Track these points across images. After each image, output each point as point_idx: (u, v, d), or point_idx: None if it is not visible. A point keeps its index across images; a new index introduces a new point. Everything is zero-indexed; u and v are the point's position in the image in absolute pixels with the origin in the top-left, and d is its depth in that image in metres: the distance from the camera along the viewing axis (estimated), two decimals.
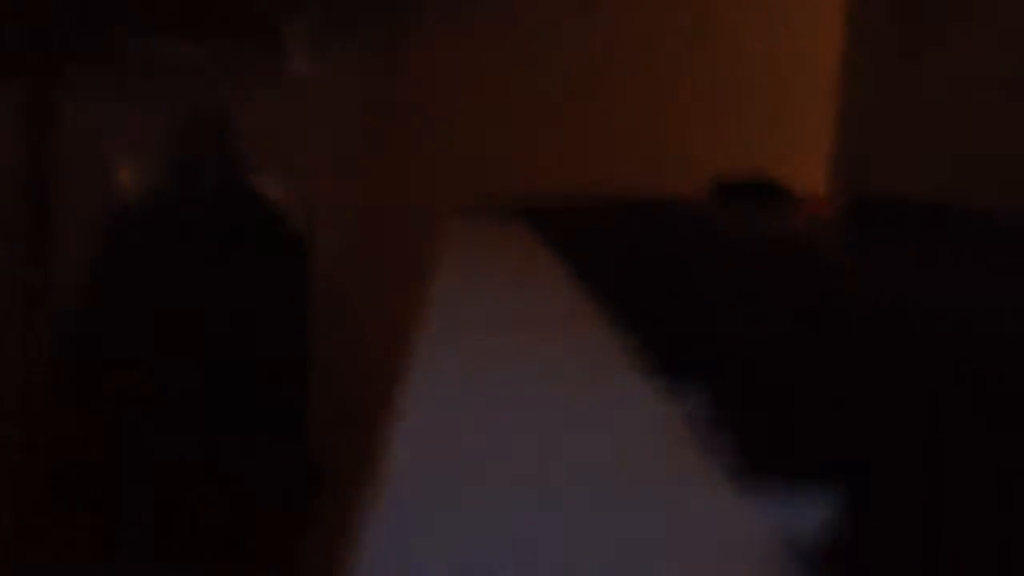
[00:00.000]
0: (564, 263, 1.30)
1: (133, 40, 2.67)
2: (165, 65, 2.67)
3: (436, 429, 0.57)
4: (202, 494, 2.55)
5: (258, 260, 2.58)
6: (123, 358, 2.53)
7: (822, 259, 1.16)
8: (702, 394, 0.69)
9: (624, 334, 0.86)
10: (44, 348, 2.60)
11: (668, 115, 2.62)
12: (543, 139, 2.63)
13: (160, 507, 2.53)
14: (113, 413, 2.55)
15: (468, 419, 0.62)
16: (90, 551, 2.57)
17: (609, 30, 2.64)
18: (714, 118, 2.63)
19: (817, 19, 2.55)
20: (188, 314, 2.53)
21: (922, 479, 0.50)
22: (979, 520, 0.46)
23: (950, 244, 1.14)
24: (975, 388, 0.66)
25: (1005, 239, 1.13)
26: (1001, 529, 0.46)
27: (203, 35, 2.66)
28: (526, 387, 0.67)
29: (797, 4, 2.64)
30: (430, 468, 0.52)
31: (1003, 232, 1.15)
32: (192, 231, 2.55)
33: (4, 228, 2.62)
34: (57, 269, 2.64)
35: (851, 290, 0.99)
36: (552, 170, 2.60)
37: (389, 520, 0.45)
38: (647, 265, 1.12)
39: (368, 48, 2.67)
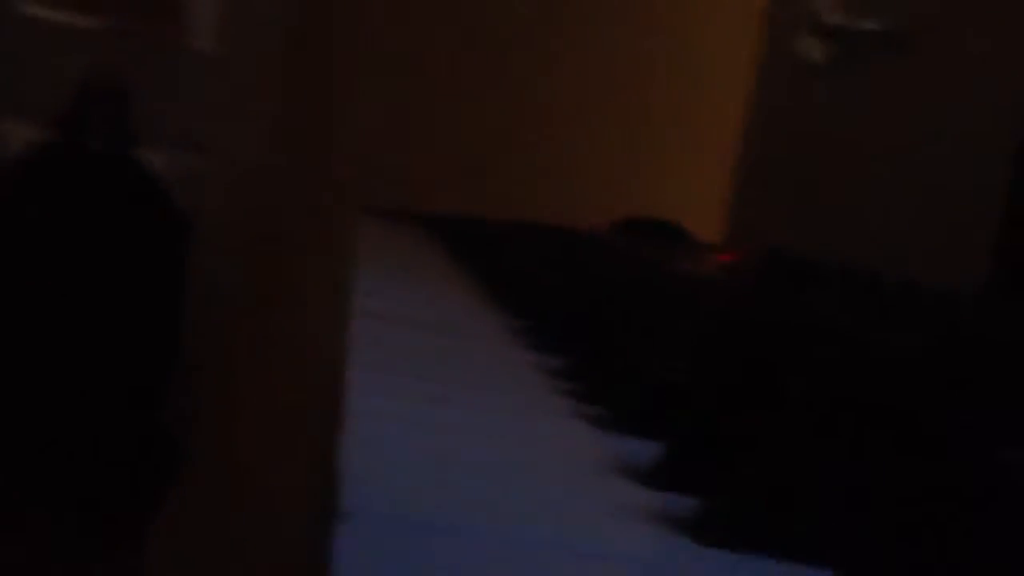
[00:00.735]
0: (461, 265, 1.38)
1: (30, 5, 2.66)
2: (62, 32, 2.66)
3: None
4: (60, 462, 2.53)
5: (136, 231, 2.57)
6: None
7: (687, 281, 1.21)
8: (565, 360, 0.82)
9: (512, 323, 0.97)
10: None
11: (578, 155, 2.67)
12: (451, 152, 2.66)
13: (13, 474, 2.50)
14: None
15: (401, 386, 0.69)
16: None
17: (527, 71, 2.68)
18: (619, 163, 2.69)
19: (726, 76, 2.61)
20: (58, 277, 2.51)
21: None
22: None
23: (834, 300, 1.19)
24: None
25: (882, 297, 1.18)
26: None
27: (103, 9, 2.65)
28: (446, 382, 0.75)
29: (707, 61, 2.70)
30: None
31: (882, 290, 1.20)
32: (71, 195, 2.53)
33: None
34: None
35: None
36: (461, 186, 2.62)
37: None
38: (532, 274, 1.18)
39: (279, 26, 2.66)
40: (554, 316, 0.94)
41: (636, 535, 0.50)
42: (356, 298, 1.02)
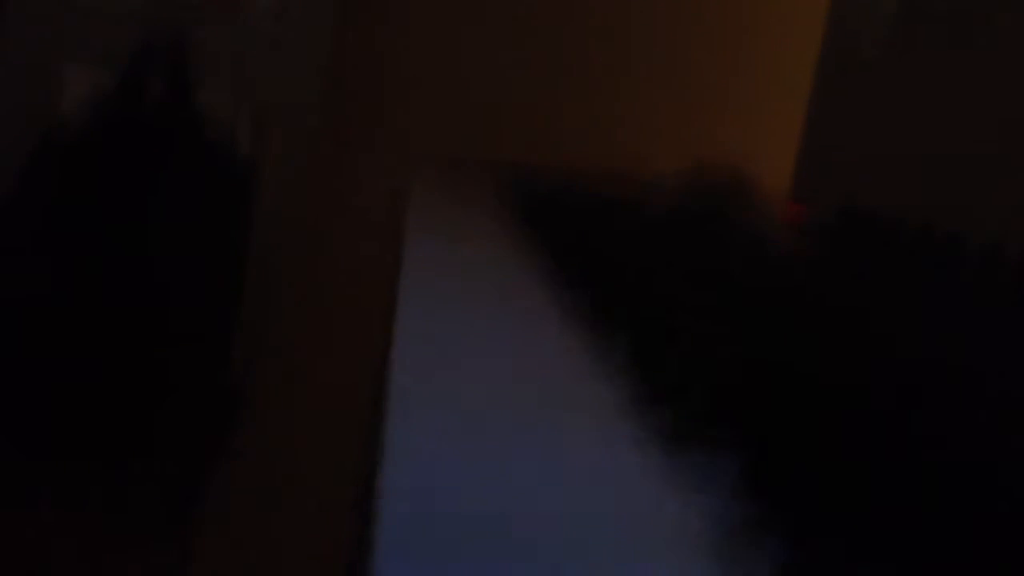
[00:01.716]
0: (531, 237, 1.33)
1: None
2: None
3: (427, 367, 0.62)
4: (123, 409, 2.52)
5: (200, 178, 2.54)
6: (51, 258, 2.48)
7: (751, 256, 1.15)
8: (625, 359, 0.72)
9: (571, 303, 0.93)
10: None
11: (648, 101, 2.60)
12: (520, 105, 2.61)
13: (81, 421, 2.50)
14: (39, 311, 2.51)
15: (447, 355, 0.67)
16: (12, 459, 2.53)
17: (593, 20, 2.61)
18: (692, 110, 2.62)
19: (794, 24, 2.53)
20: (127, 228, 2.49)
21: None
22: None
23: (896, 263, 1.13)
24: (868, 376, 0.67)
25: (966, 265, 1.12)
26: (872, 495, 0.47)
27: None
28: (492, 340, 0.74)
29: (776, 9, 2.62)
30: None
31: (966, 257, 1.14)
32: (134, 143, 2.50)
33: None
34: None
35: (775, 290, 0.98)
36: (526, 138, 2.57)
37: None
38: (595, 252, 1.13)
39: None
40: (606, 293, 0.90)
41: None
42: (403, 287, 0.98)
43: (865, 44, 1.58)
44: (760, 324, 0.82)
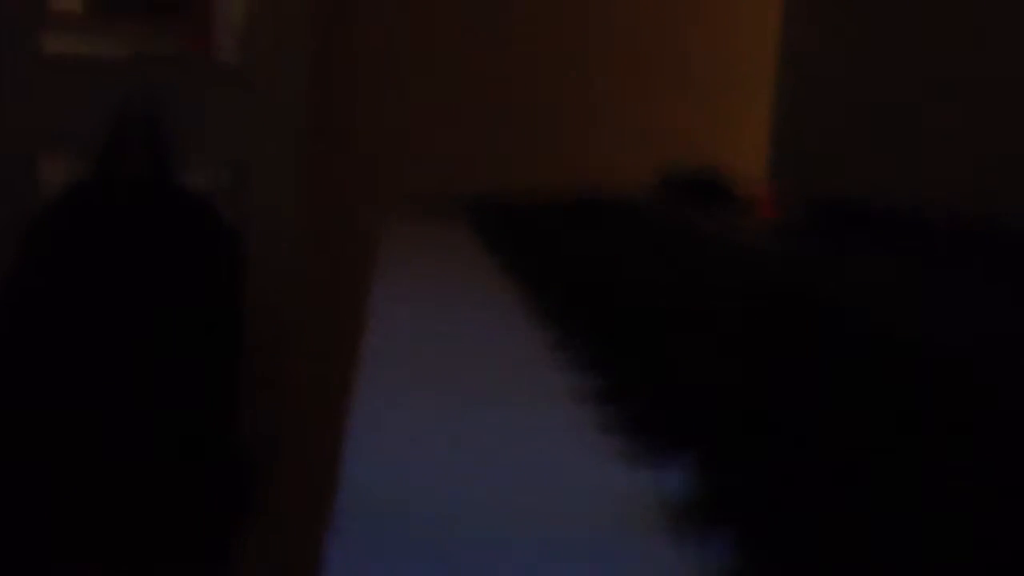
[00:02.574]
0: (495, 256, 1.35)
1: (55, 42, 2.64)
2: (90, 65, 2.64)
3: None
4: (137, 494, 2.53)
5: (187, 256, 2.55)
6: (44, 355, 2.49)
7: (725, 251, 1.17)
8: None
9: (542, 321, 0.95)
10: None
11: (616, 105, 2.62)
12: (489, 135, 2.62)
13: (95, 509, 2.50)
14: (36, 410, 2.52)
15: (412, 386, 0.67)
16: (21, 551, 2.53)
17: (554, 23, 2.63)
18: (660, 107, 2.63)
19: (761, 11, 2.55)
20: (114, 310, 2.49)
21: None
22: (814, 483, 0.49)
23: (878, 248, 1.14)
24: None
25: (949, 246, 1.13)
26: (834, 492, 0.48)
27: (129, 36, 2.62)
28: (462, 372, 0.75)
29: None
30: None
31: (950, 240, 1.15)
32: (116, 226, 2.51)
33: None
34: None
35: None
36: (499, 166, 2.58)
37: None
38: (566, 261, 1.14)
39: (304, 37, 2.64)
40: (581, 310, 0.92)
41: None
42: (375, 301, 1.00)
43: (826, 25, 1.60)
44: (726, 317, 0.83)
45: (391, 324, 0.91)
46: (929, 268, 1.01)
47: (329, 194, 2.67)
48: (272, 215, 2.68)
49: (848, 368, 0.73)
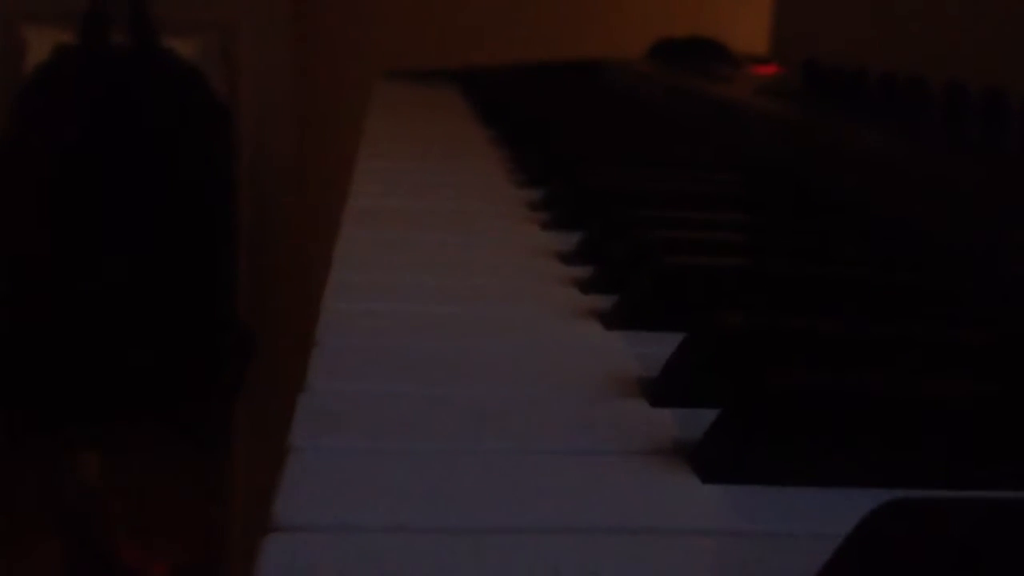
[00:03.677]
0: (476, 109, 1.34)
1: None
2: None
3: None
4: (133, 360, 2.52)
5: (174, 124, 2.51)
6: (34, 218, 2.47)
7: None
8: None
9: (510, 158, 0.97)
10: None
11: None
12: (487, 9, 2.57)
13: (92, 372, 2.50)
14: (35, 274, 2.50)
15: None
16: (22, 416, 2.54)
17: None
18: None
19: None
20: (105, 179, 2.46)
21: None
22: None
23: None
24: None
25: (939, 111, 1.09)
26: None
27: None
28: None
29: None
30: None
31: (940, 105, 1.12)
32: (101, 94, 2.47)
33: None
34: None
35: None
36: (493, 37, 2.54)
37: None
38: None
39: None
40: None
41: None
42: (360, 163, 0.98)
43: None
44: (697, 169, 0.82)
45: (375, 175, 0.90)
46: (925, 134, 0.98)
47: (321, 59, 2.62)
48: (262, 80, 2.63)
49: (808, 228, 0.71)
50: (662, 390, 0.50)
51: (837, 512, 0.41)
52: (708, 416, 0.46)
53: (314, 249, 2.63)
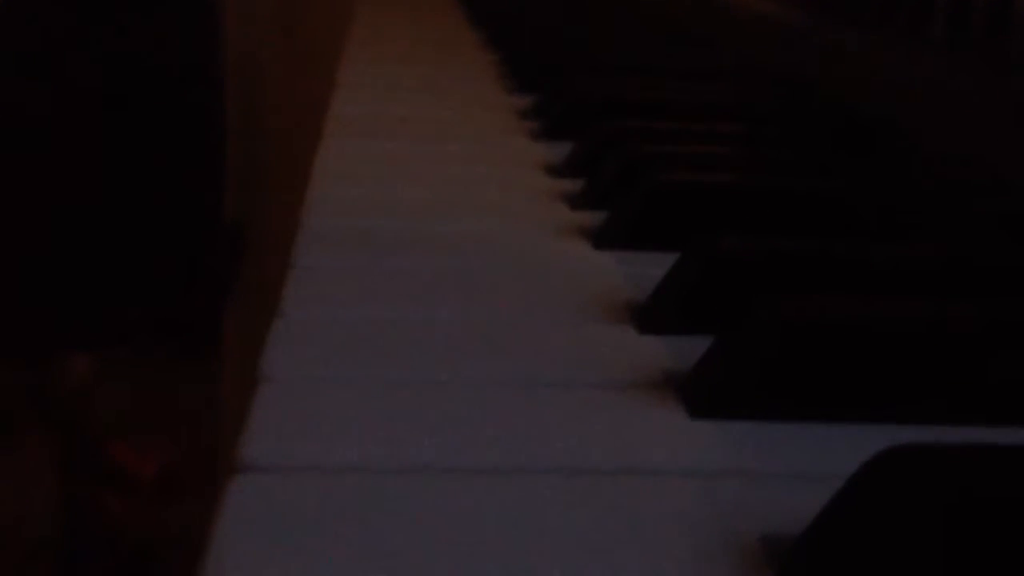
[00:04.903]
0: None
1: None
2: None
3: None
4: (122, 260, 2.50)
5: (163, 22, 2.46)
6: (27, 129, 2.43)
7: None
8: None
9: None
10: None
11: None
12: None
13: (84, 269, 2.48)
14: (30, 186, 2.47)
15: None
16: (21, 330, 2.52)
17: None
18: None
19: None
20: (95, 79, 2.42)
21: None
22: None
23: None
24: None
25: None
26: None
27: None
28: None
29: None
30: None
31: None
32: None
33: None
34: None
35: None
36: None
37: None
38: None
39: None
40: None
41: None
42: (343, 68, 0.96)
43: None
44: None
45: (358, 81, 0.87)
46: (924, 42, 0.95)
47: None
48: None
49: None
50: (652, 316, 0.48)
51: (835, 451, 0.39)
52: (700, 345, 0.44)
53: (302, 148, 2.60)
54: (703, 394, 0.41)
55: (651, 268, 0.51)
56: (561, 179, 0.68)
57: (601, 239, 0.58)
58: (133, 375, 2.54)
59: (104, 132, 2.45)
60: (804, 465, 0.38)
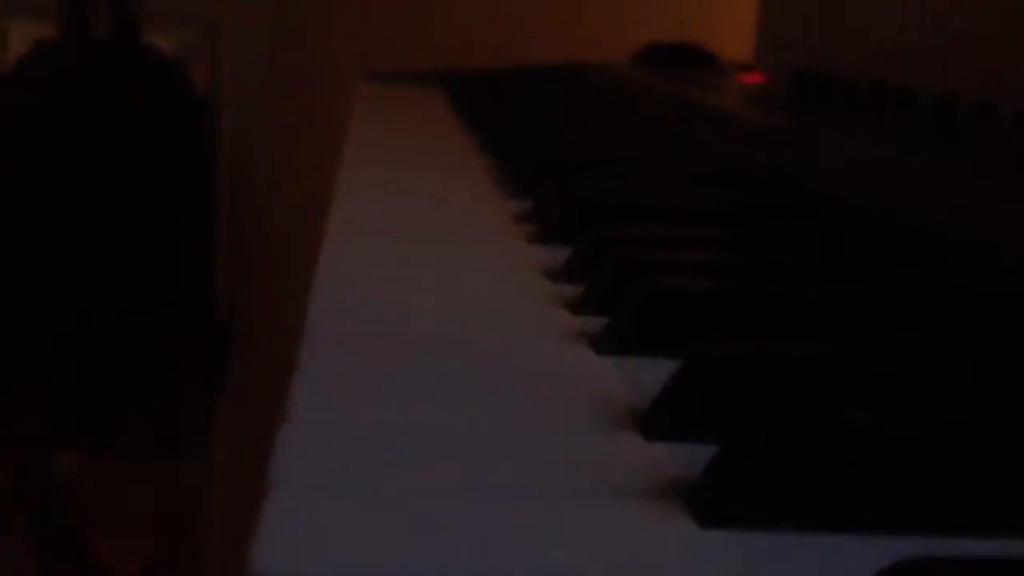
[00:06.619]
0: (455, 106, 1.33)
1: None
2: None
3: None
4: (112, 359, 2.49)
5: (153, 117, 2.48)
6: (11, 219, 2.44)
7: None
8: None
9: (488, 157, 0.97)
10: None
11: None
12: (472, 11, 2.55)
13: (70, 378, 2.47)
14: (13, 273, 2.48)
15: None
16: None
17: None
18: None
19: None
20: (82, 175, 2.44)
21: None
22: None
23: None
24: None
25: (935, 118, 1.08)
26: None
27: None
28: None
29: None
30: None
31: (934, 111, 1.10)
32: (82, 87, 2.44)
33: None
34: None
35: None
36: (478, 40, 2.52)
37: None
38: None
39: None
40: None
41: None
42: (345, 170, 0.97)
43: None
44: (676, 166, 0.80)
45: (361, 178, 0.88)
46: (915, 142, 0.96)
47: (302, 58, 2.60)
48: (243, 76, 2.60)
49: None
50: (656, 423, 0.49)
51: (849, 561, 0.39)
52: (706, 452, 0.44)
53: (293, 247, 2.61)
54: (710, 504, 0.41)
55: (654, 374, 0.52)
56: (560, 283, 0.69)
57: (602, 345, 0.58)
58: (119, 472, 2.53)
59: (93, 221, 2.46)
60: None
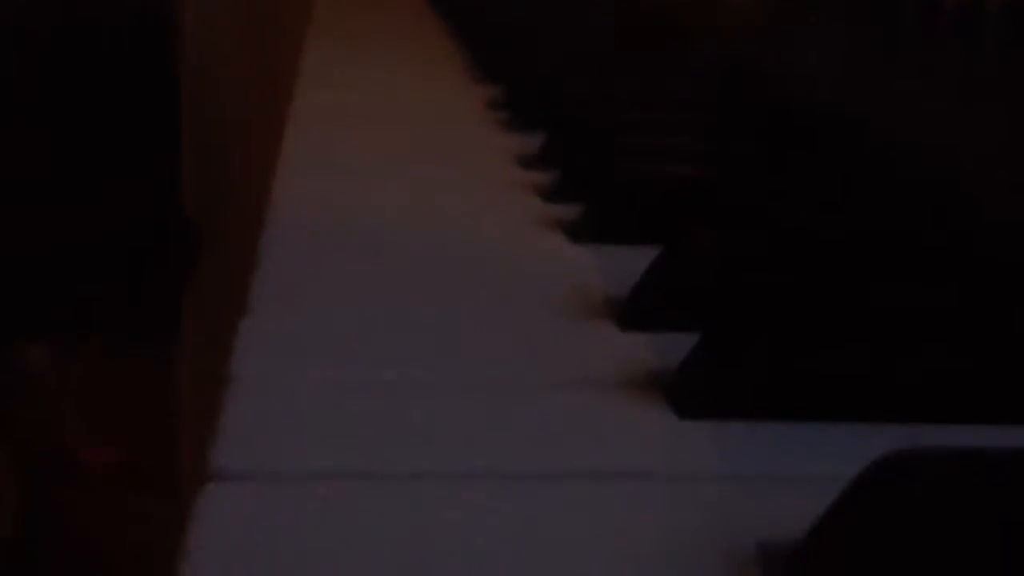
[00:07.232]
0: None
1: None
2: None
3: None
4: (76, 245, 2.47)
5: (119, 36, 2.44)
6: None
7: None
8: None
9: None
10: None
11: None
12: None
13: (37, 258, 2.45)
14: None
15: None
16: None
17: None
18: None
19: None
20: (54, 87, 2.40)
21: None
22: None
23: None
24: None
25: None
26: None
27: None
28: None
29: None
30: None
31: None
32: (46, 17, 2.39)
33: None
34: None
35: None
36: None
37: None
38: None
39: None
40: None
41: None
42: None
43: None
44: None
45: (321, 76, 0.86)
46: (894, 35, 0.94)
47: None
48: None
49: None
50: (633, 313, 0.47)
51: (828, 451, 0.38)
52: (684, 342, 0.42)
53: (261, 146, 2.57)
54: (689, 394, 0.40)
55: (632, 262, 0.50)
56: (533, 171, 0.67)
57: (578, 232, 0.56)
58: (92, 368, 2.52)
59: (55, 121, 2.42)
60: (798, 467, 0.37)
